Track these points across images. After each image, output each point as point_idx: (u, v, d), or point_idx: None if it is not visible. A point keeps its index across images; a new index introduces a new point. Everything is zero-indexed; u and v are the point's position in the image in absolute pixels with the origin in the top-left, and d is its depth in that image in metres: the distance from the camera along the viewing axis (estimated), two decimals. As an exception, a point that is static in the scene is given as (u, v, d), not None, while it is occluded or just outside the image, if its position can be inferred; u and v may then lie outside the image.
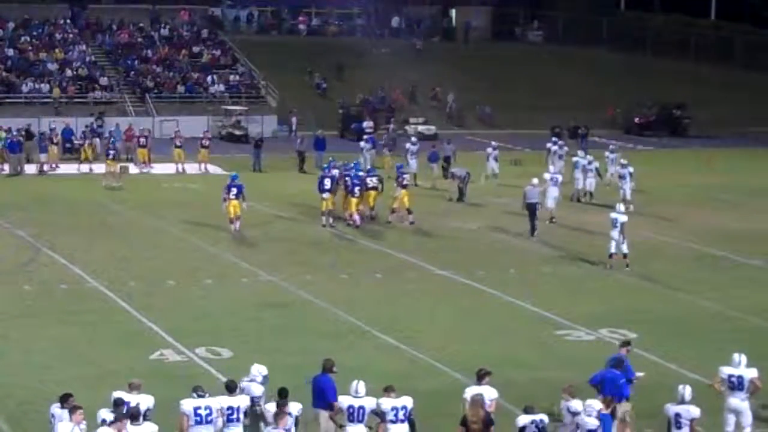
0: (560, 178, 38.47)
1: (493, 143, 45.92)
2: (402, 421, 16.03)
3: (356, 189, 35.45)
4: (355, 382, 16.21)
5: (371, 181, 35.98)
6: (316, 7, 79.18)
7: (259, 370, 16.93)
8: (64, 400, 15.33)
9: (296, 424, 15.75)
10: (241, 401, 16.00)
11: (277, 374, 20.29)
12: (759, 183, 46.53)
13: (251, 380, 16.79)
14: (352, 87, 66.50)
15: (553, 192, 37.22)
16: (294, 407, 15.77)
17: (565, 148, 44.38)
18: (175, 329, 23.77)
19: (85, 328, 24.14)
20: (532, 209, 34.74)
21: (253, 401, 16.47)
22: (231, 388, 16.14)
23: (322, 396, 16.60)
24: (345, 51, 71.09)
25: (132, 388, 15.98)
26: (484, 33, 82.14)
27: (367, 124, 57.38)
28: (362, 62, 70.47)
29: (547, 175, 37.75)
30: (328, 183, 35.29)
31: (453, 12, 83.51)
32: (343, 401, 16.07)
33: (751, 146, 59.97)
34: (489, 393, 16.57)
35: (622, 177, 39.59)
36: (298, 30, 77.82)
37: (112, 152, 43.92)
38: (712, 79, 72.50)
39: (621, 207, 31.48)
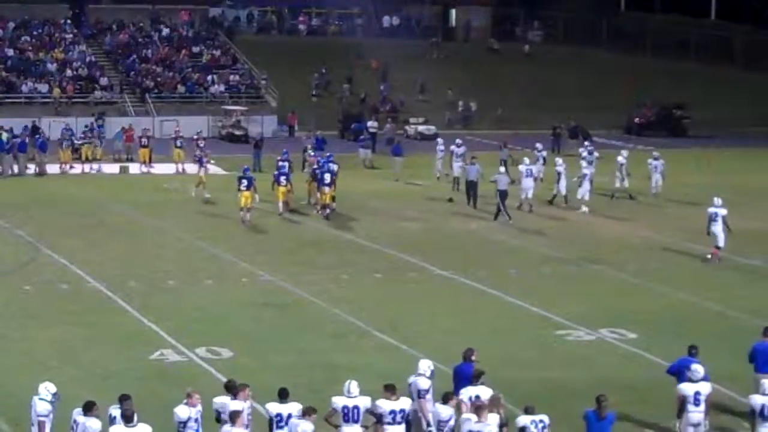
0: (535, 169, 39.52)
1: (539, 145, 45.29)
2: (399, 423, 16.03)
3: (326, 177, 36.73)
4: (347, 382, 16.19)
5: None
6: (316, 7, 79.18)
7: (428, 365, 17.20)
8: (88, 408, 15.12)
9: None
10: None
11: (276, 374, 20.34)
12: (759, 183, 46.49)
13: (419, 375, 17.02)
14: (358, 89, 66.66)
15: (528, 183, 38.83)
16: (294, 407, 15.75)
17: (595, 154, 43.46)
18: (175, 329, 23.77)
19: (85, 328, 24.14)
20: (503, 195, 36.67)
21: (420, 395, 16.76)
22: (230, 388, 16.13)
23: (463, 383, 17.01)
24: (347, 51, 71.21)
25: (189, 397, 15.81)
26: (484, 33, 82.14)
27: (371, 124, 57.25)
28: (361, 63, 70.58)
29: (522, 167, 39.14)
30: (328, 177, 36.47)
31: (453, 12, 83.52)
32: (337, 402, 16.07)
33: (751, 146, 59.94)
34: (484, 393, 16.57)
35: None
36: (298, 30, 77.85)
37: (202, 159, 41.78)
38: (712, 79, 72.48)
39: (719, 201, 31.58)
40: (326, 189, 36.50)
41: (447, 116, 64.54)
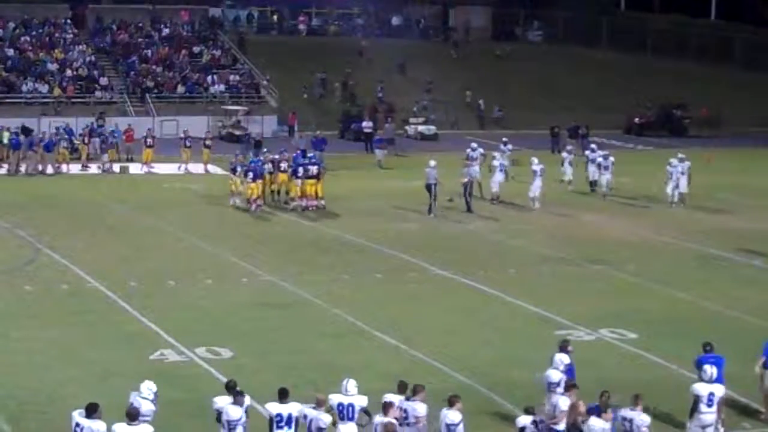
0: (505, 163, 41.01)
1: (569, 147, 44.86)
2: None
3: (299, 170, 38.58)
4: (345, 381, 16.19)
5: (312, 169, 38.63)
6: (316, 7, 79.22)
7: (561, 359, 17.70)
8: (93, 410, 14.91)
9: (297, 425, 15.73)
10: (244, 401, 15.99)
11: (276, 374, 20.34)
12: (759, 183, 46.52)
13: (554, 368, 17.57)
14: (356, 89, 66.72)
15: (499, 177, 40.34)
16: (294, 407, 15.75)
17: (611, 159, 42.36)
18: (175, 329, 23.76)
19: (86, 328, 24.13)
20: (429, 189, 37.40)
21: (551, 387, 17.28)
22: (229, 388, 16.13)
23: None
24: (345, 51, 71.31)
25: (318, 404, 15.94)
26: (484, 33, 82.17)
27: (367, 125, 57.14)
28: (361, 62, 70.59)
29: (495, 162, 40.64)
30: (301, 171, 38.28)
31: (453, 12, 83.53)
32: (333, 399, 16.09)
33: (751, 146, 59.96)
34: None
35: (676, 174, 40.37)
36: (298, 30, 77.88)
37: (239, 167, 39.16)
38: (712, 79, 72.50)
39: None
40: (299, 181, 38.13)
41: (454, 116, 64.44)
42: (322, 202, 38.50)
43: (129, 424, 14.74)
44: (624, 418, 16.03)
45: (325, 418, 15.65)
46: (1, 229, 34.66)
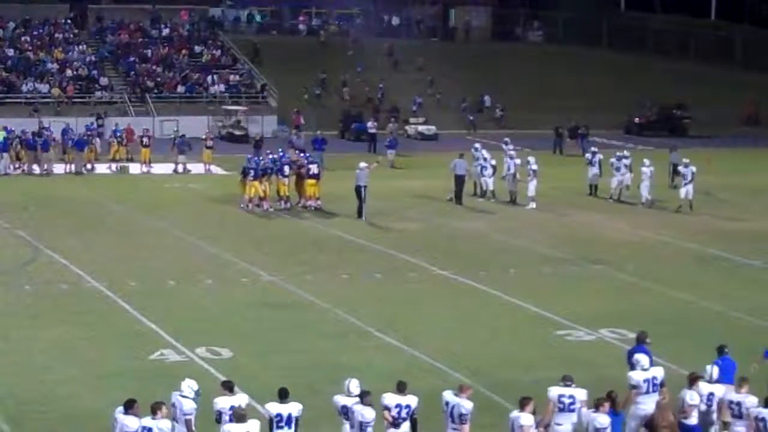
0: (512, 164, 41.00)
1: (594, 149, 44.40)
2: (404, 419, 16.06)
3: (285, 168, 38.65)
4: (347, 381, 16.17)
5: (313, 168, 38.79)
6: (316, 7, 79.24)
7: (644, 359, 17.74)
8: (129, 406, 15.08)
9: (297, 425, 15.72)
10: (242, 400, 15.99)
11: (276, 374, 20.34)
12: (759, 183, 46.52)
13: (639, 368, 17.67)
14: (354, 90, 66.75)
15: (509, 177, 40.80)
16: (294, 407, 15.75)
17: (599, 156, 42.39)
18: (175, 329, 23.77)
19: (85, 328, 24.13)
20: (358, 192, 36.81)
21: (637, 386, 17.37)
22: (230, 388, 16.14)
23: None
24: (345, 51, 71.33)
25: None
26: (484, 33, 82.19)
27: (371, 125, 57.06)
28: (359, 62, 70.62)
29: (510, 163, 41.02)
30: (287, 170, 38.47)
31: (453, 12, 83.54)
32: (338, 401, 16.07)
33: (751, 146, 59.97)
34: (579, 394, 16.72)
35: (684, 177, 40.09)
36: (298, 30, 77.89)
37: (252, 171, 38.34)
38: (712, 79, 72.49)
39: None
40: (285, 180, 38.19)
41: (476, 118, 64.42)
42: (319, 202, 38.47)
43: (153, 419, 14.95)
44: (731, 402, 16.24)
45: (467, 404, 15.84)
46: (1, 229, 34.67)
